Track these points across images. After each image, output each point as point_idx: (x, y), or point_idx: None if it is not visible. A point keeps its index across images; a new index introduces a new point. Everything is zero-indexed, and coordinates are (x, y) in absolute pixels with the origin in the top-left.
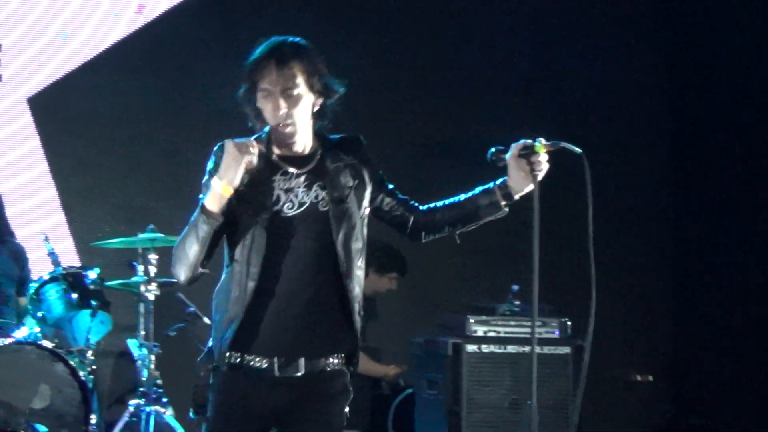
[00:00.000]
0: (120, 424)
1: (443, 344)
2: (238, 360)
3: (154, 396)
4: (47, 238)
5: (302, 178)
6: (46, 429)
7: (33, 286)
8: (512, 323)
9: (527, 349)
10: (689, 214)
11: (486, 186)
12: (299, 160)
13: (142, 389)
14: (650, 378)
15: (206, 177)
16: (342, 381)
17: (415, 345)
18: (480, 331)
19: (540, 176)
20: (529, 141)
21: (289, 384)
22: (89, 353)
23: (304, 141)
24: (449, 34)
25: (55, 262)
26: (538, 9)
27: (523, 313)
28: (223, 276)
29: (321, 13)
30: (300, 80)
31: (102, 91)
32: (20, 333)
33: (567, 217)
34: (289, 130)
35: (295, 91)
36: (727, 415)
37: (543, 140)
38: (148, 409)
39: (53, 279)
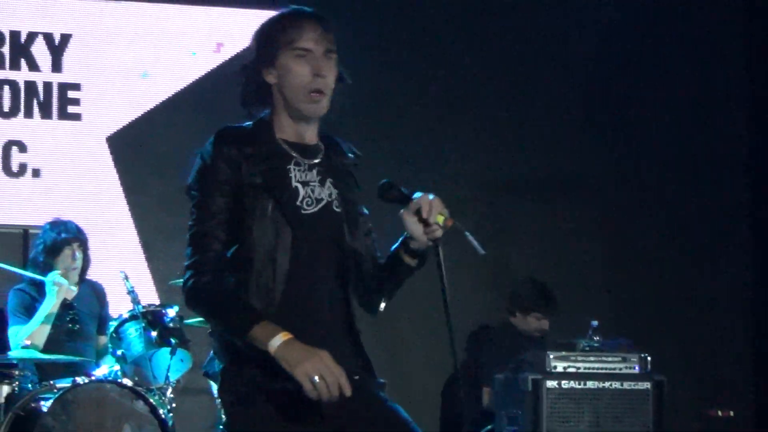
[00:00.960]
0: None
1: (523, 380)
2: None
3: None
4: (127, 277)
5: (315, 171)
6: None
7: (112, 324)
8: (592, 359)
9: (608, 384)
10: None
11: (393, 248)
12: (306, 150)
13: (221, 427)
14: (731, 413)
15: (194, 177)
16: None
17: (497, 381)
18: (560, 366)
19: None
20: (431, 202)
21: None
22: (169, 391)
23: (316, 126)
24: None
25: (135, 301)
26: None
27: (603, 348)
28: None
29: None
30: (333, 40)
31: (181, 129)
32: (100, 371)
33: (642, 253)
34: (322, 103)
35: (335, 57)
36: None
37: (448, 216)
38: None
39: (133, 317)
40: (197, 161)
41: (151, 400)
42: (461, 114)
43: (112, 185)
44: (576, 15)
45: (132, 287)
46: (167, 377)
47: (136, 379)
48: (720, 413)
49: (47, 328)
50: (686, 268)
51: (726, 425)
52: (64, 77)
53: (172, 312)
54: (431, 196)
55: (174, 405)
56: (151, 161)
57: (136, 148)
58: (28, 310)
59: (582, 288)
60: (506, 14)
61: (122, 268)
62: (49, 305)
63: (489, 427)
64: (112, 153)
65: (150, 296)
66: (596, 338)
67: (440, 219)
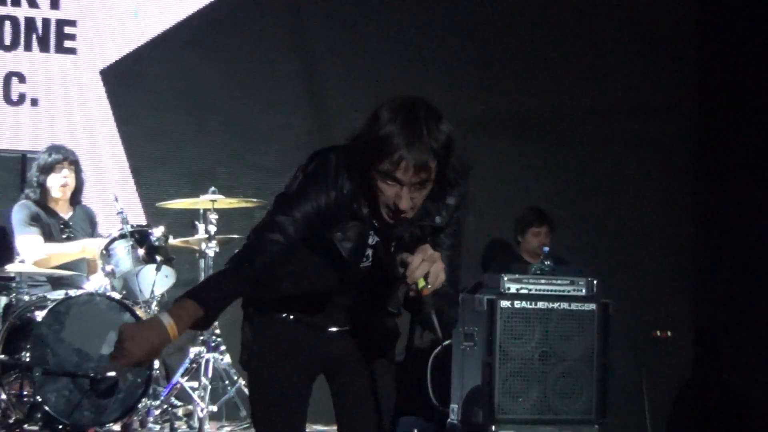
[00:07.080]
0: (181, 370)
1: (479, 300)
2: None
3: (212, 344)
4: (117, 199)
5: (379, 237)
6: (113, 373)
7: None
8: (543, 281)
9: (557, 305)
10: (712, 175)
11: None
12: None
13: (201, 338)
14: (669, 333)
15: (298, 183)
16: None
17: None
18: (513, 288)
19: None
20: (422, 263)
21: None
22: (154, 304)
23: None
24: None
25: (124, 221)
26: None
27: (553, 272)
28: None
29: None
30: (433, 171)
31: (169, 64)
32: (90, 285)
33: (596, 183)
34: (395, 222)
35: (427, 185)
36: (748, 369)
37: (430, 285)
38: (206, 356)
39: (122, 236)
40: (318, 164)
41: (138, 312)
42: (436, 51)
43: (104, 115)
44: None
45: (122, 209)
46: (152, 292)
47: (124, 293)
48: (659, 334)
49: (57, 262)
50: (635, 200)
51: (667, 345)
52: (62, 14)
53: (158, 232)
54: (429, 253)
55: None
56: (141, 94)
57: (127, 82)
58: (35, 221)
59: None
60: None
61: (113, 192)
62: (71, 250)
63: (447, 342)
64: (105, 85)
65: (138, 218)
66: (547, 262)
67: (420, 283)
